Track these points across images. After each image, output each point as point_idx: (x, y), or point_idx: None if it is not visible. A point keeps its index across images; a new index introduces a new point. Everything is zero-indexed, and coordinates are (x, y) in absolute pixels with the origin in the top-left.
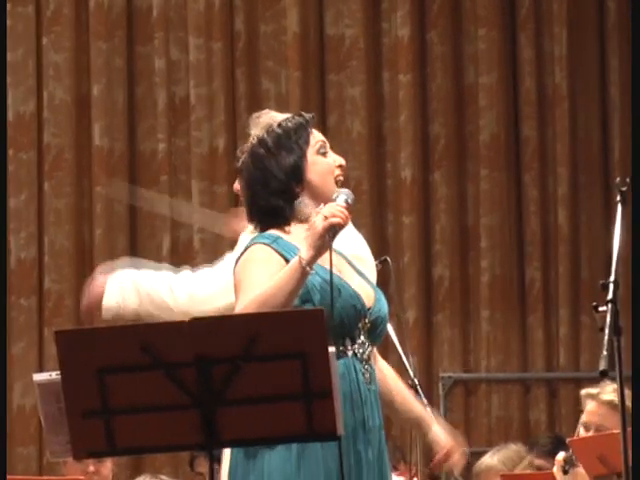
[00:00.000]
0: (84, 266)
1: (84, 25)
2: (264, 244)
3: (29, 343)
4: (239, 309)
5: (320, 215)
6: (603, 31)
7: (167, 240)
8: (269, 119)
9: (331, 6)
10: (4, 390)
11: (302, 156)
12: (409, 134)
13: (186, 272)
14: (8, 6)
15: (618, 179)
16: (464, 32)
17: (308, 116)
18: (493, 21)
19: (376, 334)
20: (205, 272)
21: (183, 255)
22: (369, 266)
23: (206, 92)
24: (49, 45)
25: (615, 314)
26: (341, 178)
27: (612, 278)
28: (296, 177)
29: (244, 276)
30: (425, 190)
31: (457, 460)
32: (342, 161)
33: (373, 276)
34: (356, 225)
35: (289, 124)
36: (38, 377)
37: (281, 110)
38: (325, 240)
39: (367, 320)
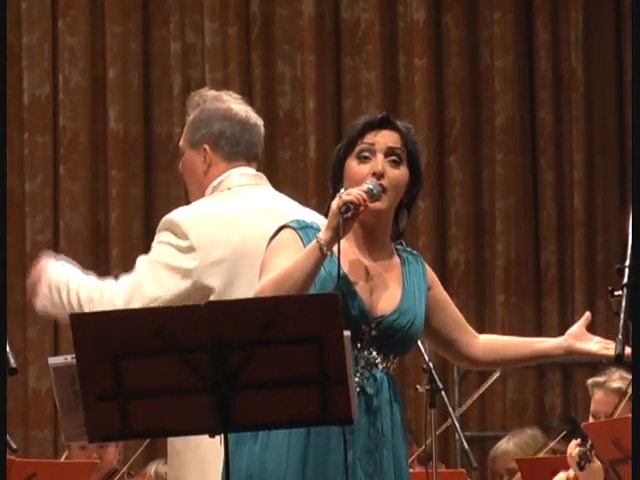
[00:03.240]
0: (99, 250)
1: (99, 8)
2: (292, 228)
3: (44, 327)
4: (257, 290)
5: (336, 199)
6: (619, 15)
7: None
8: (199, 98)
9: None
10: (4, 383)
11: (341, 157)
12: (424, 118)
13: (109, 281)
14: None
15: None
16: (480, 16)
17: (371, 118)
18: (509, 5)
19: (392, 343)
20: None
21: None
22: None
23: (222, 76)
24: (65, 28)
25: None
26: (372, 180)
27: (628, 262)
28: (338, 179)
29: (269, 257)
30: (440, 174)
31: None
32: (377, 169)
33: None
34: None
35: (356, 123)
36: (53, 360)
37: (296, 94)
38: (339, 219)
39: (373, 327)
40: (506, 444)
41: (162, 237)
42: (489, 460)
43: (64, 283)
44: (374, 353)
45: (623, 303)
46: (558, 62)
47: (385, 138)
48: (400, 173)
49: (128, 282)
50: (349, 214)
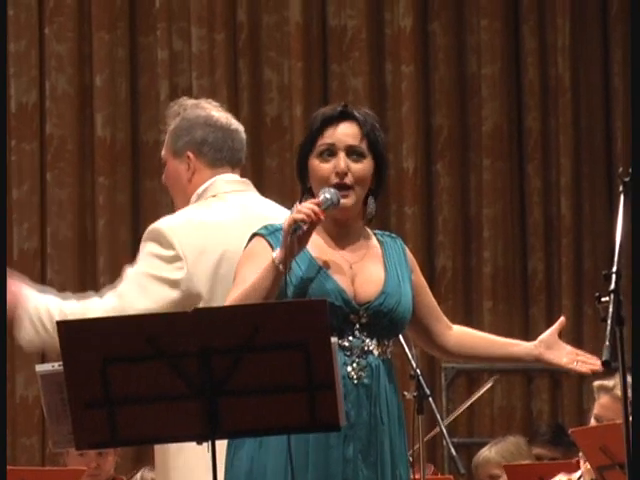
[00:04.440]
0: (86, 257)
1: (87, 15)
2: (260, 236)
3: None
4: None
5: (289, 213)
6: (606, 22)
7: None
8: (179, 107)
9: None
10: (4, 382)
11: (305, 161)
12: (411, 125)
13: (92, 300)
14: None
15: (621, 169)
16: (467, 23)
17: (335, 111)
18: (496, 12)
19: (382, 328)
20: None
21: None
22: None
23: (209, 83)
24: (52, 35)
25: (618, 305)
26: (330, 189)
27: (615, 269)
28: (303, 180)
29: (237, 269)
30: (427, 181)
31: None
32: (341, 167)
33: None
34: None
35: (314, 119)
36: (40, 368)
37: (283, 101)
38: (290, 236)
39: (361, 315)
40: (488, 452)
41: (147, 248)
42: (472, 467)
43: (44, 312)
44: (367, 340)
45: (610, 309)
46: (545, 69)
47: (345, 135)
48: (363, 167)
49: (116, 296)
50: (300, 232)
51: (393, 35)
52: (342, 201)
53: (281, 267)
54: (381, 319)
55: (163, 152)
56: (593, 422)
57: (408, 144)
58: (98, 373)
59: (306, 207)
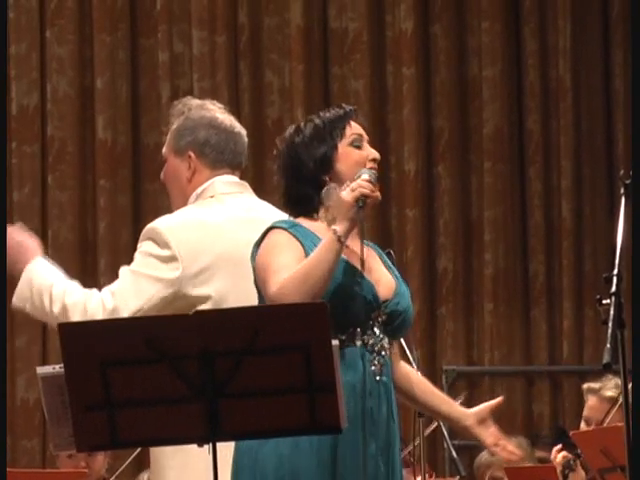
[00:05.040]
0: (87, 259)
1: (88, 18)
2: (282, 229)
3: (32, 336)
4: (275, 290)
5: (347, 189)
6: (607, 23)
7: None
8: (183, 106)
9: None
10: (4, 383)
11: (333, 147)
12: (413, 127)
13: (92, 292)
14: None
15: (622, 172)
16: (467, 25)
17: (348, 108)
18: (497, 14)
19: (393, 328)
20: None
21: None
22: None
23: (210, 85)
24: (53, 38)
25: (618, 307)
26: (366, 169)
27: (615, 271)
28: (324, 167)
29: (270, 259)
30: (429, 183)
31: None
32: (377, 155)
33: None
34: None
35: (327, 115)
36: (41, 370)
37: (284, 103)
38: (355, 211)
39: (382, 312)
40: (490, 454)
41: (144, 247)
42: (474, 469)
43: (47, 288)
44: (385, 339)
45: (611, 312)
46: (546, 71)
47: (360, 129)
48: None
49: (110, 294)
50: (363, 206)
51: (394, 37)
52: (376, 194)
53: (344, 240)
54: (396, 318)
55: (164, 149)
56: (583, 425)
57: (409, 146)
58: (99, 375)
59: (364, 183)
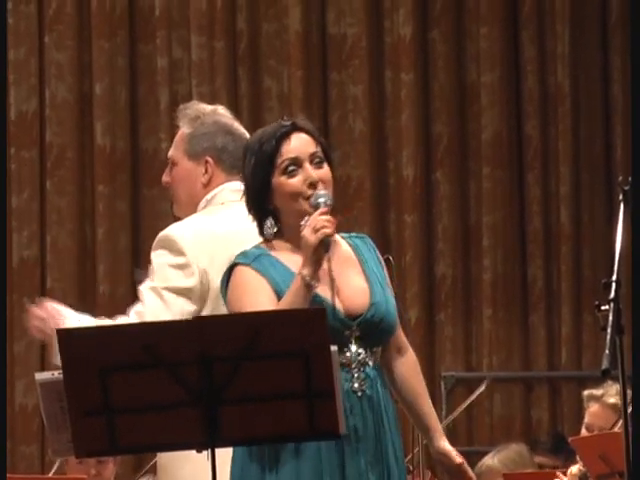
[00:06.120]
0: (86, 265)
1: (86, 24)
2: (244, 265)
3: (30, 342)
4: None
5: (308, 229)
6: (606, 29)
7: None
8: (196, 111)
9: (333, 5)
10: (4, 388)
11: (267, 180)
12: (411, 133)
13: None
14: (10, 5)
15: (620, 178)
16: (466, 31)
17: (283, 126)
18: (495, 19)
19: (372, 338)
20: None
21: None
22: None
23: (208, 91)
24: (51, 44)
25: (617, 313)
26: (320, 192)
27: (614, 277)
28: (266, 197)
29: (241, 305)
30: (427, 189)
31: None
32: (314, 178)
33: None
34: (358, 223)
35: (264, 136)
36: (40, 376)
37: (283, 109)
38: (320, 253)
39: (354, 330)
40: (491, 460)
41: (159, 257)
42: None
43: None
44: (362, 352)
45: (610, 318)
46: (544, 76)
47: (303, 145)
48: (327, 170)
49: (142, 316)
50: (328, 244)
51: (393, 43)
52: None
53: (313, 283)
54: (373, 330)
55: (173, 152)
56: (584, 431)
57: (408, 152)
58: (97, 381)
59: (323, 219)
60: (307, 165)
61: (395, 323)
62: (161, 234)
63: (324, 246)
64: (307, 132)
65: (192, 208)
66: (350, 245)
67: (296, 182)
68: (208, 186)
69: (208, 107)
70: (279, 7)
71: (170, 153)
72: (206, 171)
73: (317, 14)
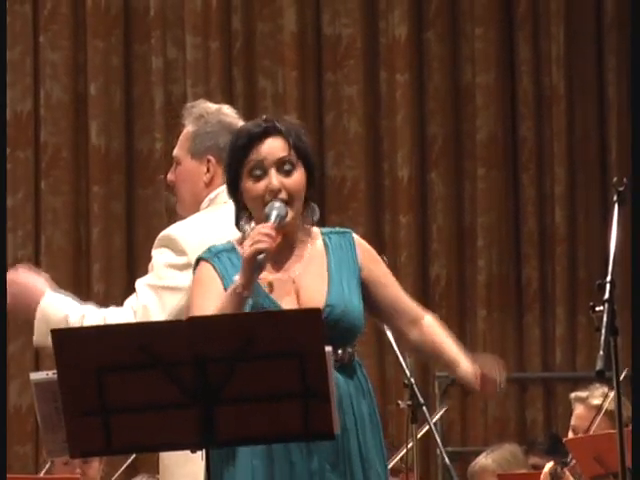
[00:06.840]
0: (81, 265)
1: (81, 24)
2: (204, 260)
3: (25, 342)
4: None
5: (248, 240)
6: (600, 30)
7: None
8: (201, 110)
9: (328, 5)
10: (3, 389)
11: (237, 176)
12: (406, 133)
13: (111, 310)
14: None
15: (615, 179)
16: (461, 32)
17: (259, 126)
18: (490, 20)
19: (335, 340)
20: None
21: None
22: None
23: (203, 91)
24: (46, 44)
25: (612, 314)
26: (275, 204)
27: (609, 278)
28: (238, 194)
29: (192, 299)
30: (422, 189)
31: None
32: (275, 186)
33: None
34: (353, 224)
35: (241, 133)
36: (35, 376)
37: (278, 110)
38: (254, 265)
39: None
40: (484, 460)
41: (160, 256)
42: (468, 476)
43: (63, 321)
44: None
45: (604, 319)
46: (539, 78)
47: (272, 149)
48: (297, 179)
49: (134, 311)
50: (262, 259)
51: (388, 44)
52: (285, 220)
53: (246, 293)
54: (329, 331)
55: (177, 151)
56: (570, 434)
57: (403, 153)
58: (92, 381)
59: (262, 233)
60: (272, 171)
61: (359, 322)
62: (163, 233)
63: (256, 262)
64: (283, 135)
65: (195, 207)
66: (325, 244)
67: (258, 188)
68: (210, 185)
69: (213, 106)
70: (274, 7)
71: (175, 152)
72: (208, 170)
73: (312, 14)
